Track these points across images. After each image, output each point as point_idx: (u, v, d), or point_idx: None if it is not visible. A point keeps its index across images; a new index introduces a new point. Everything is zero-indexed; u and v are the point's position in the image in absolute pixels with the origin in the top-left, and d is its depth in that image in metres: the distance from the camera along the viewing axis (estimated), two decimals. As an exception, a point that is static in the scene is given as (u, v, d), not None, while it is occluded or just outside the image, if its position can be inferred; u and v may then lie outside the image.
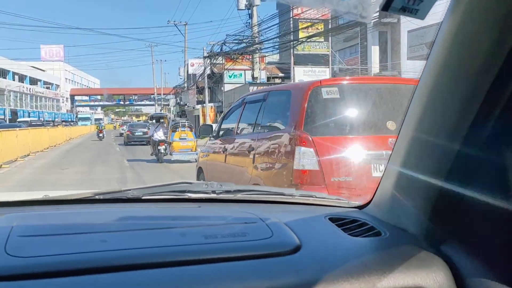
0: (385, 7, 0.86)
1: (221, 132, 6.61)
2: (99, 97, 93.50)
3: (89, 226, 1.34)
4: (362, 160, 4.03)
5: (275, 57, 36.88)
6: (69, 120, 74.07)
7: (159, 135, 17.37)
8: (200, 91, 44.30)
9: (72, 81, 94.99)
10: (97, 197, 1.69)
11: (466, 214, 1.16)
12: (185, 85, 48.29)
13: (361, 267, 1.15)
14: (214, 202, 1.81)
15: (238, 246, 1.21)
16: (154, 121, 19.19)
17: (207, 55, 27.28)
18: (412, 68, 30.32)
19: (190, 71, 43.76)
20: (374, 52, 30.78)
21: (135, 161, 18.84)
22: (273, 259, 1.17)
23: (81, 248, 1.13)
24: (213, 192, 1.81)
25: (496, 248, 1.11)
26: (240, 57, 29.55)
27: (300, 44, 23.38)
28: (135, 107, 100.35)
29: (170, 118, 27.02)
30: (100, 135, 37.12)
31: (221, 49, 27.29)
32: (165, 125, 18.51)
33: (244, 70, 38.39)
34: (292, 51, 24.72)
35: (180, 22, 46.93)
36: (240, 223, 1.39)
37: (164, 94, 69.31)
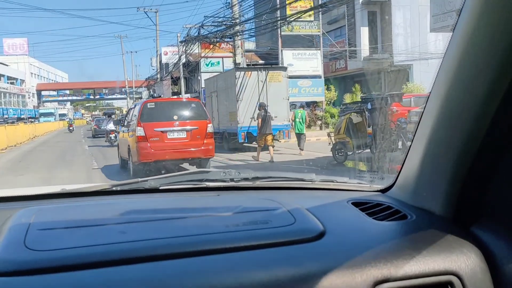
0: None
1: (125, 123, 12.98)
2: (67, 91, 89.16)
3: (108, 218, 1.32)
4: (162, 131, 10.93)
5: (251, 45, 34.12)
6: (29, 117, 65.46)
7: (109, 126, 22.02)
8: (175, 81, 41.21)
9: (39, 75, 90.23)
10: (114, 188, 1.70)
11: (498, 192, 1.12)
12: (158, 75, 44.95)
13: (388, 252, 1.12)
14: (233, 190, 1.78)
15: (261, 234, 1.18)
16: (106, 116, 24.62)
17: (184, 39, 24.21)
18: (404, 50, 28.02)
19: (164, 61, 40.51)
20: (363, 33, 28.28)
21: (94, 146, 23.41)
22: (297, 246, 1.14)
23: (100, 240, 1.11)
24: (231, 180, 1.79)
25: None
26: (218, 44, 27.05)
27: (288, 23, 20.65)
28: (106, 101, 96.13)
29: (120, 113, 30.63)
30: (71, 128, 43.98)
31: (198, 33, 24.33)
32: (115, 118, 23.50)
33: (222, 57, 35.64)
34: (279, 31, 21.96)
35: (151, 9, 43.76)
36: (261, 210, 1.37)
37: (136, 86, 65.94)
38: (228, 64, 28.61)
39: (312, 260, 1.09)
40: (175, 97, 30.99)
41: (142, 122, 10.71)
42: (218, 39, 23.82)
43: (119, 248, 1.08)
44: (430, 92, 1.22)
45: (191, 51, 28.04)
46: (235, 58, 23.99)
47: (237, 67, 18.55)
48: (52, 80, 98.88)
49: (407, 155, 1.39)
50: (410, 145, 1.36)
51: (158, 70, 44.59)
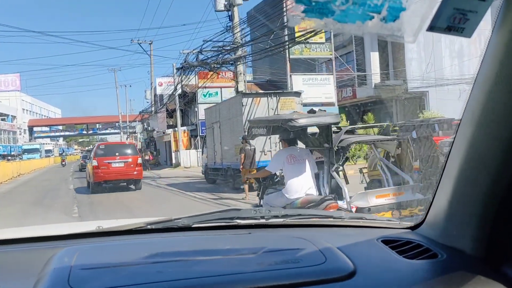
0: (430, 28, 0.85)
1: (88, 158, 21.95)
2: (60, 127, 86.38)
3: (145, 257, 1.34)
4: (108, 162, 17.28)
5: (248, 77, 31.73)
6: (11, 154, 59.11)
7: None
8: (170, 114, 38.59)
9: (31, 111, 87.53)
10: (149, 226, 1.72)
11: None
12: (153, 108, 42.31)
13: None
14: (263, 228, 1.79)
15: (292, 273, 1.18)
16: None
17: (181, 66, 21.65)
18: (418, 75, 25.63)
19: (158, 92, 37.94)
20: (374, 58, 25.91)
21: (79, 181, 22.66)
22: (328, 285, 1.14)
23: (139, 279, 1.14)
24: (262, 217, 1.80)
25: None
26: (217, 72, 24.64)
27: (298, 43, 18.14)
28: (100, 136, 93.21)
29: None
30: (63, 163, 48.14)
31: (196, 59, 21.80)
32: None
33: (221, 87, 33.22)
34: (287, 54, 19.44)
35: (145, 40, 41.62)
36: (292, 249, 1.38)
37: (130, 121, 63.41)
38: (227, 95, 26.05)
39: None
40: (119, 141, 40.05)
41: (96, 157, 17.41)
42: (218, 66, 21.25)
43: None
44: (457, 128, 1.19)
45: (188, 81, 25.47)
46: (237, 86, 21.40)
47: (243, 92, 15.88)
48: (44, 115, 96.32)
49: (435, 192, 1.35)
50: (439, 182, 1.32)
51: (152, 103, 41.99)
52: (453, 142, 1.22)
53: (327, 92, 19.51)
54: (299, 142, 6.85)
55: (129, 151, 17.94)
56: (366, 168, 12.30)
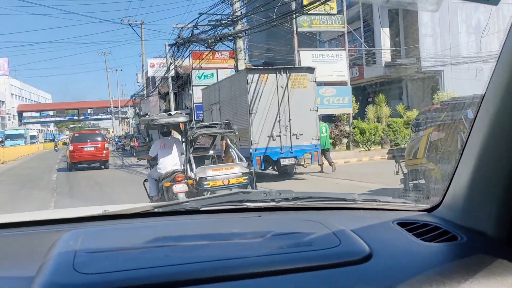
0: None
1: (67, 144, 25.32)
2: (50, 112, 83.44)
3: (151, 240, 1.30)
4: (81, 147, 21.93)
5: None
6: None
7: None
8: (163, 97, 36.07)
9: (20, 96, 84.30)
10: (156, 210, 1.68)
11: None
12: (145, 91, 39.69)
13: (439, 275, 1.05)
14: (273, 211, 1.74)
15: (306, 256, 1.13)
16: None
17: (174, 42, 19.20)
18: (433, 53, 23.32)
19: (150, 74, 35.30)
20: (384, 35, 23.51)
21: (64, 173, 20.76)
22: (343, 268, 1.09)
23: (146, 263, 1.09)
24: (272, 200, 1.75)
25: None
26: (214, 50, 22.26)
27: (303, 14, 15.68)
28: (92, 122, 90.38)
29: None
30: (56, 148, 47.69)
31: (191, 34, 19.33)
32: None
33: (217, 68, 30.73)
34: (295, 26, 16.99)
35: (136, 21, 38.88)
36: (304, 232, 1.33)
37: (121, 106, 60.84)
38: (224, 76, 23.55)
39: (360, 284, 1.04)
40: (90, 129, 37.81)
41: (72, 143, 22.26)
42: (215, 42, 18.80)
43: (166, 272, 1.05)
44: (479, 105, 1.13)
45: (182, 59, 22.99)
46: (237, 64, 18.98)
47: (249, 68, 13.50)
48: (34, 101, 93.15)
49: (455, 172, 1.29)
50: (458, 162, 1.26)
51: (144, 86, 39.36)
52: (474, 119, 1.17)
53: (339, 70, 17.16)
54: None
55: (98, 138, 22.96)
56: (398, 155, 10.01)
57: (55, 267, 1.07)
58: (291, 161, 13.40)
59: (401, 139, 18.39)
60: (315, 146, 13.51)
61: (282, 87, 13.19)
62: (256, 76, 13.04)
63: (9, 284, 1.07)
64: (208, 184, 7.98)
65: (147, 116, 15.19)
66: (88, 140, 22.19)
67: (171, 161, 8.09)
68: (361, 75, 24.69)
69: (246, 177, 8.29)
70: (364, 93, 25.88)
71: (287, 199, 1.75)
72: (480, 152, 1.15)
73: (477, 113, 1.16)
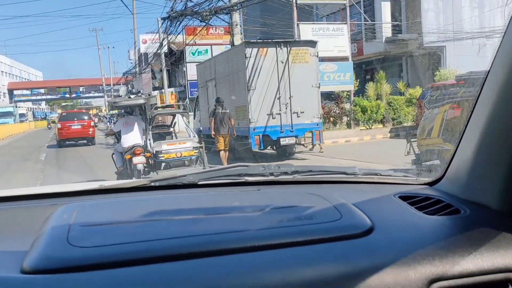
0: None
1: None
2: (42, 90, 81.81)
3: (148, 214, 1.28)
4: (69, 125, 23.05)
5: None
6: None
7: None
8: (156, 75, 35.03)
9: (10, 74, 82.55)
10: (152, 184, 1.66)
11: None
12: (137, 68, 38.55)
13: (442, 248, 1.05)
14: (273, 185, 1.71)
15: (306, 230, 1.11)
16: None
17: (167, 15, 18.17)
18: (435, 28, 22.46)
19: (142, 50, 34.12)
20: (385, 9, 22.57)
21: (54, 151, 19.50)
22: (344, 242, 1.08)
23: (143, 236, 1.07)
24: (271, 174, 1.72)
25: None
26: (208, 25, 21.27)
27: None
28: (84, 100, 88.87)
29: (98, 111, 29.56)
30: (49, 126, 46.63)
31: (185, 7, 18.32)
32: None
33: (211, 45, 29.74)
34: (295, -1, 16.02)
35: (127, -5, 37.50)
36: (305, 205, 1.30)
37: (114, 84, 59.56)
38: (218, 53, 22.57)
39: (361, 257, 1.03)
40: (77, 109, 40.67)
41: (60, 121, 23.77)
42: (210, 15, 17.80)
43: (162, 245, 1.03)
44: (486, 76, 1.12)
45: (175, 35, 21.96)
46: (233, 40, 18.07)
47: (247, 41, 12.59)
48: (25, 78, 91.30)
49: (458, 145, 1.29)
50: (462, 135, 1.25)
51: (137, 62, 38.18)
52: (480, 92, 1.15)
53: (340, 45, 16.28)
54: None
55: (85, 117, 24.26)
56: (415, 136, 9.28)
57: (49, 241, 1.05)
58: (292, 140, 12.65)
59: (403, 117, 17.65)
60: (317, 125, 12.75)
61: (283, 62, 12.34)
62: (255, 50, 12.15)
63: (2, 258, 1.04)
64: (163, 157, 9.16)
65: (111, 99, 17.92)
66: (75, 119, 23.53)
67: (132, 137, 9.06)
68: (360, 51, 23.79)
69: (197, 151, 9.39)
70: (363, 70, 25.07)
71: (286, 173, 1.72)
72: (484, 127, 1.14)
73: (482, 88, 1.15)
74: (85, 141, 23.47)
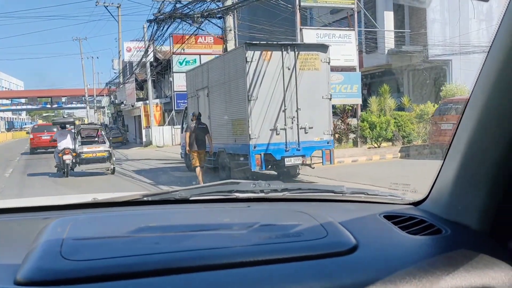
0: None
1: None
2: (22, 100, 78.65)
3: (141, 228, 1.29)
4: (40, 136, 26.50)
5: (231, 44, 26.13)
6: None
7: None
8: (140, 85, 32.83)
9: (-11, 83, 79.25)
10: (145, 198, 1.65)
11: None
12: (121, 79, 36.24)
13: (423, 267, 1.06)
14: (262, 202, 1.72)
15: (293, 247, 1.13)
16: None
17: (154, 17, 16.12)
18: (441, 41, 20.84)
19: (127, 58, 31.90)
20: (388, 19, 20.89)
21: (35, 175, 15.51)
22: (329, 259, 1.09)
23: (135, 251, 1.08)
24: (261, 191, 1.72)
25: None
26: (195, 37, 19.32)
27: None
28: (66, 110, 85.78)
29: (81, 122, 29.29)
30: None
31: (174, 8, 16.31)
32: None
33: (200, 54, 27.77)
34: (298, 1, 14.13)
35: (112, 3, 35.48)
36: (293, 223, 1.32)
37: (97, 94, 57.19)
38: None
39: (345, 274, 1.04)
40: (47, 122, 36.20)
41: (32, 132, 27.44)
42: (201, 17, 15.84)
43: (153, 259, 1.03)
44: (469, 98, 1.13)
45: (162, 40, 19.88)
46: (226, 46, 16.12)
47: (248, 42, 10.57)
48: (5, 88, 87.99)
49: (441, 167, 1.30)
50: (445, 157, 1.26)
51: (120, 71, 35.91)
52: (463, 113, 1.16)
53: (347, 53, 14.40)
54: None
55: (54, 129, 23.08)
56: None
57: (42, 254, 1.06)
58: (298, 160, 10.64)
59: (414, 135, 15.79)
60: (327, 143, 10.76)
61: (289, 69, 10.36)
62: (257, 53, 10.15)
63: None
64: (84, 155, 14.14)
65: (57, 118, 22.89)
66: (45, 131, 26.61)
67: (65, 143, 13.91)
68: (360, 64, 21.99)
69: (107, 152, 14.37)
70: (363, 84, 23.28)
71: (276, 190, 1.73)
72: (466, 148, 1.15)
73: (465, 109, 1.15)
74: (53, 150, 25.43)
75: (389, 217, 1.36)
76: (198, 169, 10.96)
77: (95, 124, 20.65)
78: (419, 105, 16.79)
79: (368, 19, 20.94)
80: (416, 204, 1.49)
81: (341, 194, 1.70)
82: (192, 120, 11.15)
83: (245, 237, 1.21)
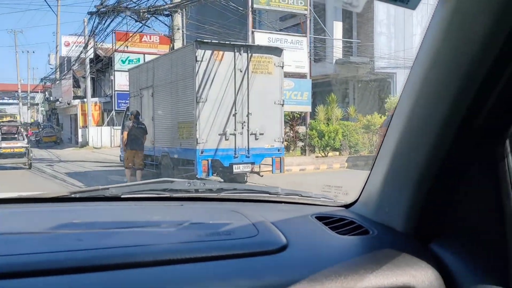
0: None
1: None
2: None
3: (65, 224, 1.25)
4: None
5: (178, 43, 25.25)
6: None
7: None
8: (78, 82, 31.08)
9: None
10: (73, 195, 1.61)
11: (456, 211, 1.12)
12: (57, 74, 34.14)
13: (348, 266, 1.09)
14: (197, 201, 1.71)
15: (223, 245, 1.13)
16: None
17: (96, 10, 15.02)
18: (387, 54, 21.11)
19: (64, 53, 30.03)
20: (337, 30, 20.88)
21: None
22: (258, 258, 1.09)
23: (56, 247, 1.06)
24: (196, 190, 1.71)
25: (487, 246, 1.06)
26: (139, 35, 18.33)
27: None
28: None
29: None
30: None
31: (118, 2, 15.27)
32: None
33: (144, 53, 26.63)
34: (251, 1, 13.60)
35: (51, -5, 33.47)
36: (224, 221, 1.32)
37: (31, 90, 54.10)
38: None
39: (273, 273, 1.05)
40: None
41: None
42: (148, 13, 14.96)
43: (74, 256, 1.01)
44: (396, 106, 1.18)
45: (104, 35, 18.71)
46: (173, 45, 15.34)
47: (199, 40, 9.88)
48: None
49: (371, 171, 1.34)
50: (375, 161, 1.31)
51: (57, 67, 33.82)
52: (390, 120, 1.21)
53: (299, 60, 14.06)
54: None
55: None
56: None
57: None
58: (247, 167, 10.07)
59: (361, 146, 15.70)
60: (278, 151, 10.27)
61: (241, 71, 9.80)
62: (208, 52, 9.48)
63: None
64: (2, 150, 15.36)
65: None
66: None
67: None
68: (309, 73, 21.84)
69: (24, 148, 15.55)
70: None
71: (211, 190, 1.72)
72: (392, 154, 1.19)
73: (392, 115, 1.18)
74: None
75: (320, 218, 1.38)
76: (128, 171, 10.66)
77: (15, 122, 22.61)
78: (366, 116, 16.74)
79: (317, 28, 20.86)
80: (347, 206, 1.52)
81: (276, 195, 1.72)
82: (129, 119, 10.76)
83: (174, 235, 1.20)
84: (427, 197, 1.13)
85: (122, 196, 1.60)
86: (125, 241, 1.10)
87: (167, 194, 1.64)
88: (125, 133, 10.66)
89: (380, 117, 16.21)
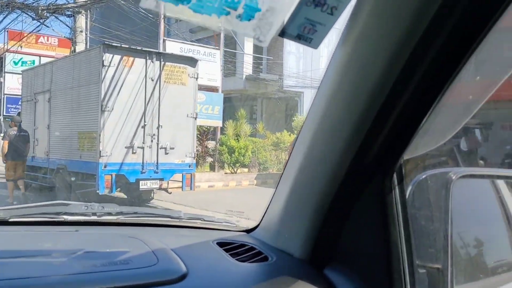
0: (282, 33, 0.86)
1: None
2: None
3: None
4: None
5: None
6: None
7: None
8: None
9: None
10: None
11: (349, 238, 1.14)
12: None
13: None
14: (94, 225, 1.60)
15: (120, 275, 1.07)
16: None
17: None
18: (295, 73, 21.46)
19: None
20: (248, 46, 20.80)
21: None
22: None
23: None
24: (94, 214, 1.60)
25: (375, 270, 1.09)
26: (36, 36, 16.70)
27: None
28: None
29: None
30: None
31: (13, -3, 13.72)
32: None
33: (40, 55, 24.56)
34: (163, 7, 12.92)
35: None
36: (122, 249, 1.25)
37: None
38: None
39: None
40: None
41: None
42: (47, 11, 13.64)
43: None
44: (299, 132, 1.20)
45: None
46: (74, 49, 14.12)
47: (107, 43, 9.01)
48: None
49: (272, 196, 1.33)
50: (277, 186, 1.31)
51: None
52: (293, 146, 1.22)
53: (211, 72, 13.61)
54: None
55: None
56: None
57: None
58: (155, 184, 9.34)
59: (270, 163, 15.57)
60: (189, 166, 9.67)
61: (153, 80, 9.11)
62: (117, 57, 8.66)
63: None
64: None
65: None
66: None
67: None
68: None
69: None
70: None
71: (110, 214, 1.61)
72: (294, 178, 1.18)
73: (296, 139, 1.20)
74: None
75: (222, 244, 1.35)
76: (10, 184, 9.75)
77: None
78: (276, 133, 16.71)
79: (228, 43, 20.64)
80: (248, 231, 1.50)
81: (178, 219, 1.68)
82: (11, 127, 9.91)
83: (66, 265, 1.10)
84: (322, 224, 1.14)
85: (10, 220, 1.48)
86: (10, 273, 1.02)
87: (61, 218, 1.53)
88: (5, 142, 9.67)
89: (290, 135, 16.26)
